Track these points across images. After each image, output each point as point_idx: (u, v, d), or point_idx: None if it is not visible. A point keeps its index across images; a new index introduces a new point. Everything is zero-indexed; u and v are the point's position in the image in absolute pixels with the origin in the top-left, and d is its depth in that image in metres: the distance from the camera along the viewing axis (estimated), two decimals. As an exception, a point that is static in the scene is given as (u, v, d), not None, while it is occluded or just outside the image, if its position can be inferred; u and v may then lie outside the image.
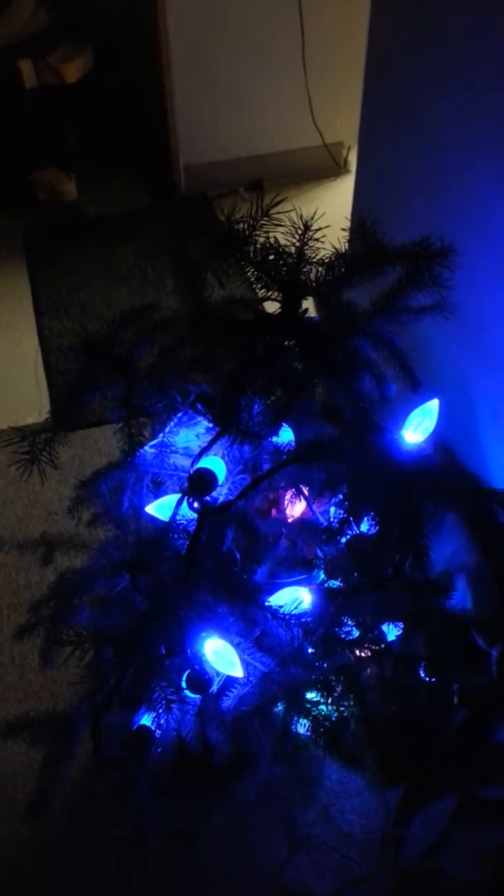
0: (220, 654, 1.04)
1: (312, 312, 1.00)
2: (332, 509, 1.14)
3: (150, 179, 3.02)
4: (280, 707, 1.13)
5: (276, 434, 1.02)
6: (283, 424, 1.03)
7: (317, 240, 0.91)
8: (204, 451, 0.98)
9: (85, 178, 2.89)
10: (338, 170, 2.94)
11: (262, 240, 0.87)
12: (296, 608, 1.03)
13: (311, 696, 1.14)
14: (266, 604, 1.01)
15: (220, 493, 1.01)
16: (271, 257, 0.88)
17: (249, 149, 2.84)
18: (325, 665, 1.12)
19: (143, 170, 3.06)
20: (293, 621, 0.97)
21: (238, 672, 1.05)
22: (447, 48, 1.47)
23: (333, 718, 1.16)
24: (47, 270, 2.65)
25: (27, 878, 1.40)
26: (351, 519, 1.01)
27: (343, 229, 0.96)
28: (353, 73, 2.02)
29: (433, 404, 1.15)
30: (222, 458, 1.00)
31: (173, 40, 2.48)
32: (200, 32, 2.49)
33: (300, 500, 1.12)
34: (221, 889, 1.37)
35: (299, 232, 0.89)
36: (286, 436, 1.04)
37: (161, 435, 1.04)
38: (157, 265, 2.62)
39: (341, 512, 1.05)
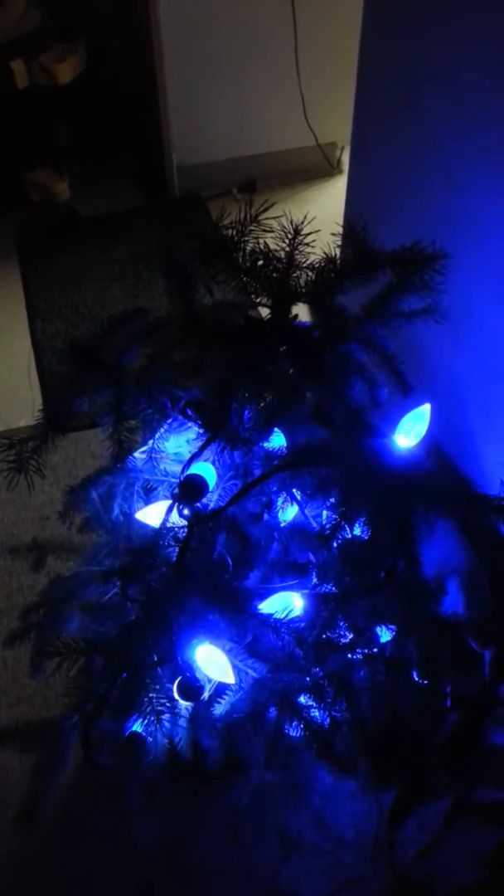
0: (211, 660, 1.04)
1: (304, 317, 0.99)
2: (325, 513, 1.14)
3: (143, 180, 3.01)
4: (272, 712, 1.13)
5: (267, 439, 1.01)
6: (275, 429, 1.02)
7: (307, 244, 0.90)
8: (194, 456, 0.97)
9: (78, 179, 2.88)
10: (331, 170, 2.94)
11: (250, 246, 0.86)
12: (288, 614, 1.03)
13: (303, 700, 1.14)
14: (258, 610, 1.01)
15: (211, 500, 1.00)
16: (260, 263, 0.88)
17: (243, 149, 2.83)
18: (317, 670, 1.12)
19: (136, 170, 3.05)
20: (284, 628, 0.97)
21: (229, 678, 1.05)
22: (440, 49, 1.47)
23: (326, 723, 1.16)
24: (40, 271, 2.64)
25: (20, 885, 1.39)
26: (343, 523, 1.01)
27: (333, 234, 0.96)
28: (346, 73, 2.02)
29: (425, 408, 1.14)
30: (213, 463, 1.00)
31: (166, 40, 2.47)
32: (193, 33, 2.48)
33: (292, 504, 1.11)
34: (215, 893, 1.37)
35: (289, 237, 0.89)
36: (278, 441, 1.04)
37: (151, 441, 1.03)
38: (151, 266, 2.61)
39: (334, 516, 1.04)
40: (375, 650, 1.20)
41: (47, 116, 2.70)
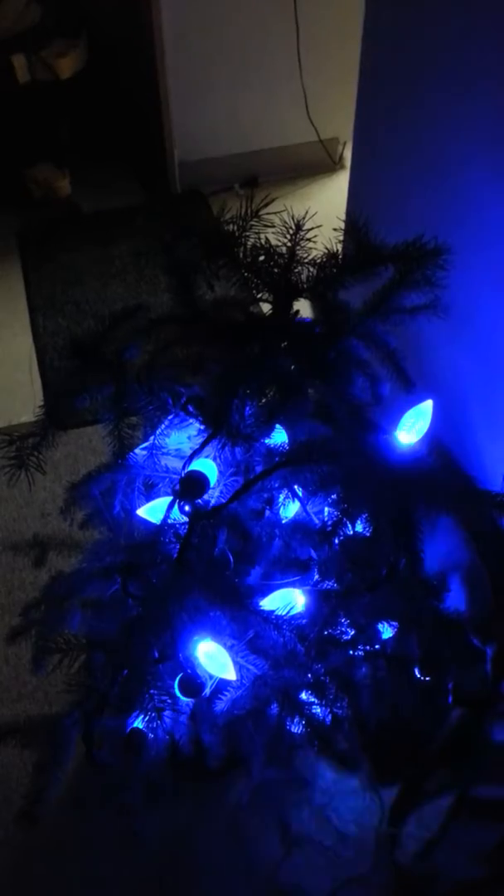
0: (212, 657, 1.04)
1: (306, 313, 0.99)
2: (326, 510, 1.13)
3: (145, 176, 3.00)
4: (274, 709, 1.13)
5: (269, 436, 1.01)
6: (277, 425, 1.02)
7: (309, 240, 0.90)
8: (195, 453, 0.97)
9: (79, 175, 2.88)
10: (333, 166, 2.93)
11: (252, 241, 0.86)
12: (289, 610, 1.03)
13: (304, 697, 1.14)
14: (259, 606, 1.01)
15: (213, 496, 1.00)
16: (262, 258, 0.87)
17: (244, 145, 2.82)
18: (319, 667, 1.11)
19: (138, 166, 3.04)
20: (285, 625, 0.97)
21: (231, 675, 1.04)
22: (442, 44, 1.46)
23: (327, 720, 1.16)
24: (41, 267, 2.64)
25: (21, 882, 1.40)
26: (345, 520, 1.00)
27: (335, 229, 0.95)
28: (348, 69, 2.01)
29: (427, 405, 1.14)
30: (214, 460, 1.00)
31: (167, 35, 2.46)
32: (194, 28, 2.47)
33: (293, 500, 1.11)
34: (217, 890, 1.37)
35: (291, 232, 0.88)
36: (279, 437, 1.03)
37: (152, 437, 1.03)
38: (152, 262, 2.61)
39: (335, 513, 1.04)
40: (377, 647, 1.20)
41: (48, 112, 2.69)
